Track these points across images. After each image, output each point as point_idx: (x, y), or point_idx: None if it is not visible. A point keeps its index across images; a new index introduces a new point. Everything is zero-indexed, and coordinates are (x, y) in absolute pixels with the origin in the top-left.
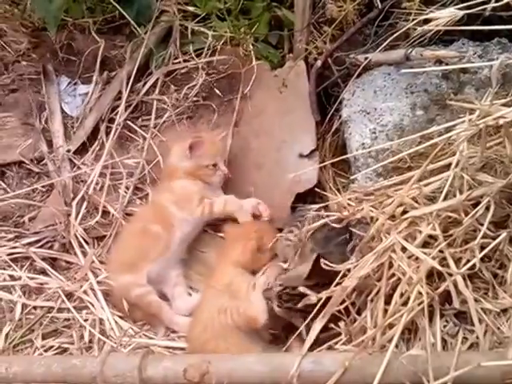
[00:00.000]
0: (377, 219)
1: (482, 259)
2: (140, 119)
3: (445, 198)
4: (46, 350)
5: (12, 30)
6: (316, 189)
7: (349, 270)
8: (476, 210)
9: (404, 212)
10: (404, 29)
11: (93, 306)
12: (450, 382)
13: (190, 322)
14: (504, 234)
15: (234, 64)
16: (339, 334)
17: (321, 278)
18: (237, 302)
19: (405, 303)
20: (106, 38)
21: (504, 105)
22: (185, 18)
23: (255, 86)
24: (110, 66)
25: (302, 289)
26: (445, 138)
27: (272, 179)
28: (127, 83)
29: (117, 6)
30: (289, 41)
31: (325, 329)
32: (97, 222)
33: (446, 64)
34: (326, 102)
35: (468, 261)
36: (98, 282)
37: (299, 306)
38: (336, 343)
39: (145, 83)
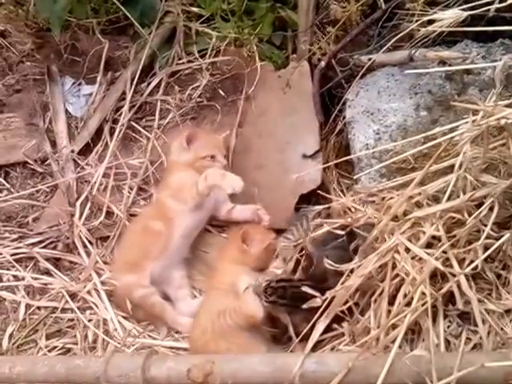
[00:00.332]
0: (380, 220)
1: (485, 260)
2: (144, 120)
3: (448, 199)
4: (49, 351)
5: (16, 31)
6: (319, 190)
7: (352, 271)
8: (479, 210)
9: (407, 213)
10: (408, 30)
11: (96, 306)
12: (453, 383)
13: (192, 326)
14: (507, 235)
15: (237, 65)
16: (342, 334)
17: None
18: (235, 303)
19: (408, 304)
20: (110, 38)
21: (507, 106)
22: (189, 19)
23: (259, 87)
24: (114, 67)
25: (304, 288)
26: (448, 139)
27: (275, 180)
28: (131, 84)
29: (121, 6)
30: (292, 41)
31: (328, 329)
32: (101, 222)
33: (450, 65)
34: (329, 102)
35: (471, 261)
36: (102, 283)
37: (304, 306)
38: (339, 343)
39: (149, 84)
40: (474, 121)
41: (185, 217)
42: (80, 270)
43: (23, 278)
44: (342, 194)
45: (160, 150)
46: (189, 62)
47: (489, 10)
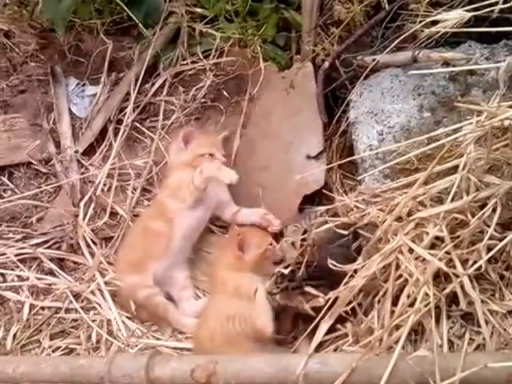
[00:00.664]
0: (384, 221)
1: (488, 261)
2: (148, 120)
3: (452, 200)
4: (53, 351)
5: (20, 31)
6: (323, 190)
7: (356, 271)
8: (483, 211)
9: (411, 213)
10: (411, 31)
11: (100, 306)
12: (456, 383)
13: (196, 326)
14: (511, 236)
15: (241, 65)
16: (346, 334)
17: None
18: (246, 311)
19: (411, 304)
20: (114, 39)
21: (511, 107)
22: (193, 20)
23: (263, 88)
24: (118, 68)
25: (307, 288)
26: (452, 140)
27: (279, 180)
28: (135, 84)
29: (125, 7)
30: (296, 42)
31: (332, 329)
32: (104, 222)
33: (453, 66)
34: (333, 103)
35: (475, 262)
36: (106, 283)
37: (307, 306)
38: (343, 344)
39: (153, 84)
40: (477, 122)
41: (185, 216)
42: (84, 270)
43: (27, 279)
44: (345, 195)
45: (164, 151)
46: (193, 62)
47: (493, 10)
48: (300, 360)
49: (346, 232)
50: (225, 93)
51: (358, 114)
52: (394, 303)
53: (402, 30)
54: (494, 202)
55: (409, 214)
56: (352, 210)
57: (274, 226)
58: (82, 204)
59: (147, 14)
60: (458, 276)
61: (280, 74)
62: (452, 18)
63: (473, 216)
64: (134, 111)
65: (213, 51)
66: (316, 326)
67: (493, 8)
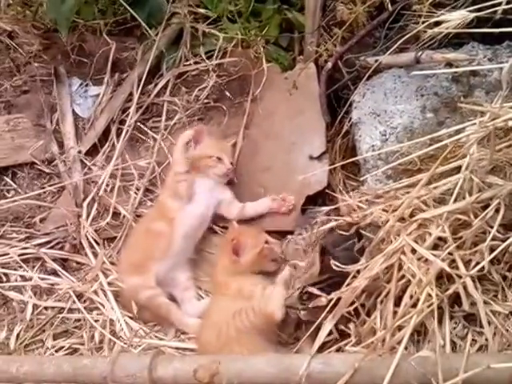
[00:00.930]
0: (386, 221)
1: (491, 261)
2: (151, 121)
3: (454, 201)
4: (56, 351)
5: (24, 32)
6: (326, 191)
7: (358, 272)
8: (485, 212)
9: (413, 214)
10: (414, 31)
11: (103, 306)
12: None
13: (200, 326)
14: None
15: (244, 66)
16: (349, 335)
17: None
18: (252, 302)
19: (414, 305)
20: (118, 39)
21: None
22: (196, 20)
23: (265, 88)
24: (121, 68)
25: (310, 289)
26: (454, 141)
27: (282, 181)
28: (138, 85)
29: (128, 8)
30: (299, 43)
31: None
32: (107, 223)
33: (456, 67)
34: (336, 104)
35: (477, 263)
36: (109, 283)
37: (310, 305)
38: (346, 344)
39: (156, 85)
40: (480, 122)
41: (185, 214)
42: (87, 270)
43: (30, 279)
44: (347, 196)
45: (167, 151)
46: (195, 63)
47: (496, 11)
48: (303, 360)
49: (350, 234)
50: (227, 93)
51: (360, 115)
52: (397, 304)
53: (405, 31)
54: (497, 202)
55: (411, 215)
56: (355, 210)
57: (290, 202)
58: (84, 204)
59: (150, 14)
60: (460, 277)
61: (283, 74)
62: (455, 19)
63: (475, 217)
64: (136, 112)
65: (216, 52)
66: (319, 327)
67: (496, 9)
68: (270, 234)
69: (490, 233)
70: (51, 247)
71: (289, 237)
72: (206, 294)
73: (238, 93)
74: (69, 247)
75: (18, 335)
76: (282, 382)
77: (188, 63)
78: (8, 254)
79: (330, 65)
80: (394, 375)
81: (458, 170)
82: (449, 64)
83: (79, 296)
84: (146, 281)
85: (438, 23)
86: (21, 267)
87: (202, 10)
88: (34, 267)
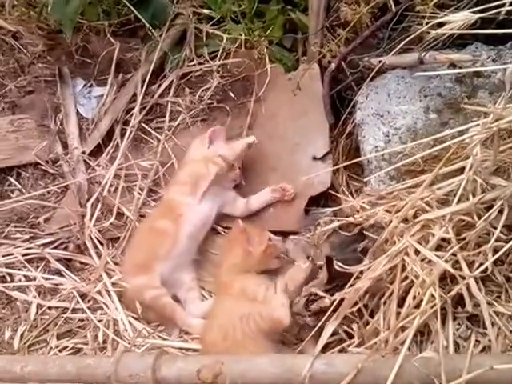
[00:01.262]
0: (390, 222)
1: (494, 262)
2: (154, 121)
3: (458, 202)
4: (60, 350)
5: (28, 33)
6: (329, 192)
7: (362, 273)
8: (489, 213)
9: (417, 215)
10: (418, 32)
11: (107, 306)
12: None
13: (205, 327)
14: None
15: (248, 67)
16: (352, 335)
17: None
18: (259, 307)
19: (417, 306)
20: (122, 40)
21: None
22: (199, 21)
23: (269, 89)
24: (125, 69)
25: (314, 289)
26: (458, 142)
27: (285, 182)
28: (142, 85)
29: (132, 8)
30: (303, 44)
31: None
32: (111, 223)
33: (460, 68)
34: (339, 104)
35: (481, 264)
36: (112, 283)
37: (313, 306)
38: (349, 345)
39: (159, 85)
40: (484, 123)
41: (192, 212)
42: (91, 270)
43: (34, 279)
44: (351, 197)
45: (170, 152)
46: (199, 63)
47: (499, 12)
48: (306, 361)
49: (356, 235)
50: (231, 94)
51: (364, 116)
52: (400, 305)
53: (409, 32)
54: (501, 203)
55: (415, 216)
56: (358, 211)
57: (289, 191)
58: (88, 204)
59: (154, 15)
60: (464, 278)
61: (286, 75)
62: (458, 20)
63: (479, 218)
64: (140, 112)
65: (219, 52)
66: (322, 327)
67: (499, 10)
68: (274, 235)
69: (493, 234)
70: (55, 247)
71: (292, 237)
72: (209, 295)
73: (241, 93)
74: (73, 247)
75: (21, 335)
76: (285, 382)
77: (192, 64)
78: (12, 254)
79: (333, 65)
80: (397, 376)
81: (461, 171)
82: (452, 65)
83: (83, 296)
84: (151, 281)
85: (441, 24)
86: (25, 267)
87: (205, 11)
88: (38, 267)
